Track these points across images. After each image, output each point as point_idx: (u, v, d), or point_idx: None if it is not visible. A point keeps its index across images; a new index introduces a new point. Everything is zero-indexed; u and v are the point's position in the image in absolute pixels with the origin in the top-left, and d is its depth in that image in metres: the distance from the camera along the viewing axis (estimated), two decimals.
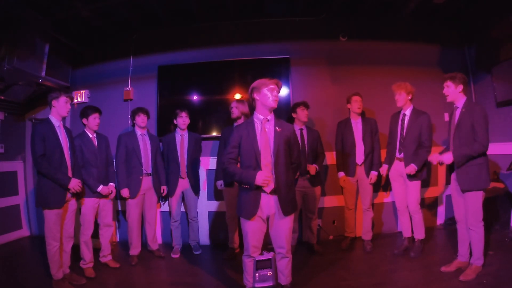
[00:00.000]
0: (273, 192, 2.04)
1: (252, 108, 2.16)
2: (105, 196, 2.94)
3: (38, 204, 2.51)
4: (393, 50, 3.88)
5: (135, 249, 3.25)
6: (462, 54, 3.98)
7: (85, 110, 2.93)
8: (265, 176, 1.97)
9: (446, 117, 3.82)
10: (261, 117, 2.09)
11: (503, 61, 3.42)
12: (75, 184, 2.52)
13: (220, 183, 3.23)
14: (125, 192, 3.12)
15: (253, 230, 2.07)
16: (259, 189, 2.03)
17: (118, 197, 3.32)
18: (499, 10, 3.38)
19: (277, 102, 2.07)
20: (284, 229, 2.08)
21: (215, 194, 3.74)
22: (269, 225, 2.12)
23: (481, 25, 3.73)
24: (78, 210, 2.83)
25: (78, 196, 2.72)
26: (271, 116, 2.11)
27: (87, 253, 2.86)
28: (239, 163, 2.15)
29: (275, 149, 2.03)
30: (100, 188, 2.85)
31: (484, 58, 3.73)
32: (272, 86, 2.06)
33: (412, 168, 2.81)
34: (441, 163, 2.55)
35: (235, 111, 3.13)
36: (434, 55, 3.93)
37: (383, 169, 3.11)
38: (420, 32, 3.93)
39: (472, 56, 3.92)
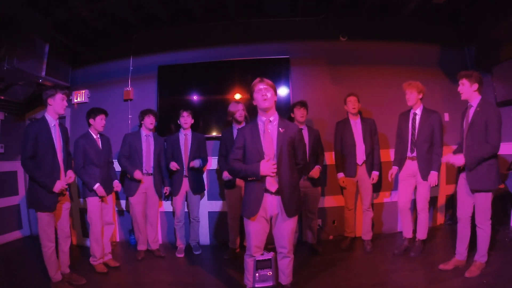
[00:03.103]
0: (277, 192, 2.03)
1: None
2: (106, 190, 2.93)
3: (30, 205, 2.50)
4: (393, 50, 3.87)
5: (142, 245, 3.32)
6: (462, 54, 3.98)
7: (92, 111, 2.96)
8: (270, 165, 1.95)
9: (447, 117, 3.82)
10: (264, 118, 2.09)
11: (503, 61, 3.42)
12: (60, 186, 2.45)
13: (225, 174, 3.18)
14: (138, 174, 3.14)
15: (256, 230, 2.07)
16: (264, 187, 2.02)
17: (119, 197, 3.34)
18: (499, 10, 3.37)
19: (269, 101, 2.03)
20: (287, 230, 2.08)
21: (216, 194, 3.74)
22: (272, 225, 2.12)
23: (481, 25, 3.73)
24: (83, 210, 2.83)
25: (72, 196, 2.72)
26: (274, 117, 2.10)
27: (97, 250, 2.89)
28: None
29: (278, 150, 2.02)
30: (97, 186, 2.84)
31: (484, 58, 3.72)
32: (257, 88, 2.05)
33: (435, 176, 2.79)
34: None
35: (243, 114, 3.16)
36: (434, 55, 3.93)
37: (392, 171, 3.05)
38: (420, 32, 3.92)
39: (472, 56, 3.92)
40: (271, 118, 2.09)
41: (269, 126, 2.07)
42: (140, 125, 3.37)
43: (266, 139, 2.04)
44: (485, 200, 2.37)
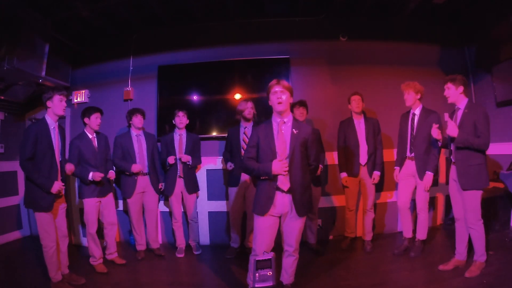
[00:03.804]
0: (288, 191, 2.06)
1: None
2: (103, 190, 2.92)
3: (27, 205, 2.49)
4: (393, 50, 3.87)
5: (140, 245, 3.34)
6: (462, 54, 3.98)
7: (87, 109, 2.93)
8: (281, 164, 1.99)
9: (446, 117, 3.80)
10: (278, 119, 2.12)
11: (503, 61, 3.42)
12: (58, 187, 2.44)
13: (230, 164, 3.22)
14: (136, 167, 3.16)
15: (264, 228, 2.09)
16: (275, 185, 2.05)
17: (118, 197, 3.34)
18: (499, 10, 3.37)
19: (284, 104, 2.06)
20: (296, 228, 2.11)
21: (216, 194, 3.73)
22: (281, 222, 2.15)
23: (481, 25, 3.73)
24: (82, 211, 2.83)
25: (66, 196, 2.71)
26: (288, 118, 2.13)
27: (96, 250, 2.91)
28: None
29: (291, 150, 2.05)
30: (91, 175, 2.81)
31: (484, 58, 3.73)
32: (273, 89, 2.08)
33: (430, 177, 2.80)
34: (440, 143, 2.61)
35: (251, 112, 3.17)
36: (434, 55, 3.93)
37: (396, 172, 3.06)
38: (420, 32, 3.92)
39: (472, 56, 3.92)
40: (285, 120, 2.12)
41: (283, 127, 2.11)
42: (129, 125, 3.36)
43: (280, 139, 2.07)
44: (474, 199, 2.38)
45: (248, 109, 3.16)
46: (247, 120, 3.18)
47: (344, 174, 3.27)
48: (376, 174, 3.19)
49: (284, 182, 2.05)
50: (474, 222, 2.38)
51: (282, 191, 2.06)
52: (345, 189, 3.36)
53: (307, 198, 2.13)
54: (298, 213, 2.06)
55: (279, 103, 2.05)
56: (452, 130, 2.39)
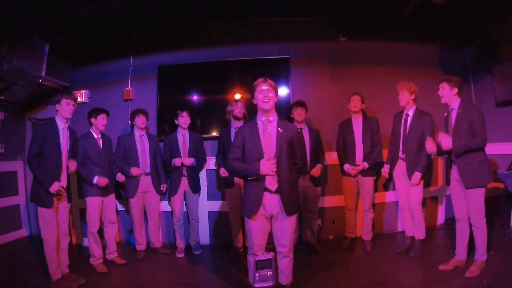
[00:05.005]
0: (276, 191, 2.04)
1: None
2: (106, 190, 2.95)
3: (32, 199, 2.56)
4: (393, 50, 3.87)
5: (140, 245, 3.35)
6: (462, 54, 3.97)
7: (94, 110, 2.99)
8: (269, 164, 1.97)
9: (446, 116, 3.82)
10: (263, 118, 2.10)
11: (503, 61, 3.41)
12: (56, 187, 2.49)
13: (223, 170, 3.21)
14: (135, 171, 3.18)
15: (257, 228, 2.08)
16: (263, 186, 2.04)
17: (123, 196, 3.36)
18: (499, 10, 3.37)
19: (269, 103, 2.04)
20: (287, 228, 2.09)
21: (216, 194, 3.74)
22: (272, 223, 2.14)
23: (481, 25, 3.73)
24: (82, 210, 2.83)
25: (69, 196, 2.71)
26: (273, 117, 2.11)
27: (96, 249, 2.92)
28: None
29: (277, 149, 2.04)
30: (96, 179, 2.86)
31: (484, 58, 3.72)
32: (260, 88, 2.06)
33: (417, 177, 2.82)
34: (436, 154, 2.60)
35: (241, 111, 3.17)
36: (434, 55, 3.93)
37: (385, 169, 3.10)
38: (420, 32, 3.92)
39: (472, 56, 3.92)
40: (271, 118, 2.10)
41: (269, 126, 2.09)
42: (132, 126, 3.39)
43: (266, 138, 2.06)
44: (478, 197, 2.39)
45: (239, 108, 3.16)
46: (237, 119, 3.18)
47: (347, 166, 3.20)
48: (363, 164, 3.12)
49: (271, 183, 2.03)
50: (478, 220, 2.38)
51: (270, 191, 2.04)
52: (343, 188, 3.36)
53: (295, 197, 2.12)
54: (287, 212, 2.05)
55: (266, 101, 2.03)
56: (446, 142, 2.40)
